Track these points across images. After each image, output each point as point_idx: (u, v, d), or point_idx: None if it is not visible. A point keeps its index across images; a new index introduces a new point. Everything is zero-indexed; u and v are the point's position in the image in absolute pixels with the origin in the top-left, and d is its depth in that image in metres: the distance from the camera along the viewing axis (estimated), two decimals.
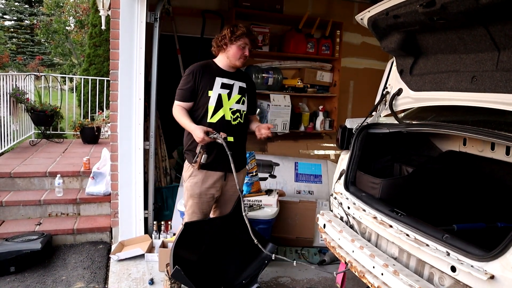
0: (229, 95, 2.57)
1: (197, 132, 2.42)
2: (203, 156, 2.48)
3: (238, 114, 2.60)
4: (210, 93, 2.53)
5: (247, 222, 2.46)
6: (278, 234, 3.57)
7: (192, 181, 2.62)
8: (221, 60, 2.61)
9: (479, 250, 1.55)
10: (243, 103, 2.63)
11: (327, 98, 4.95)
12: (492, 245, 1.52)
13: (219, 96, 2.54)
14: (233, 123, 2.59)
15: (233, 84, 2.60)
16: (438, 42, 2.20)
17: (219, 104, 2.54)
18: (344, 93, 5.13)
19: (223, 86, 2.57)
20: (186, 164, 2.68)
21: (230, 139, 2.54)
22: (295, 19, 4.52)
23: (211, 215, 2.81)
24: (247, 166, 3.40)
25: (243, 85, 2.65)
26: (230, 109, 2.57)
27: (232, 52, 2.54)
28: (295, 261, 2.31)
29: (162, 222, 3.66)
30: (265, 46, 4.42)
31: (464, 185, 2.49)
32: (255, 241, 2.38)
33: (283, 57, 4.67)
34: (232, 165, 2.42)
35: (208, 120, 2.54)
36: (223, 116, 2.56)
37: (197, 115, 2.57)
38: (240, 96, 2.61)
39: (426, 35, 2.22)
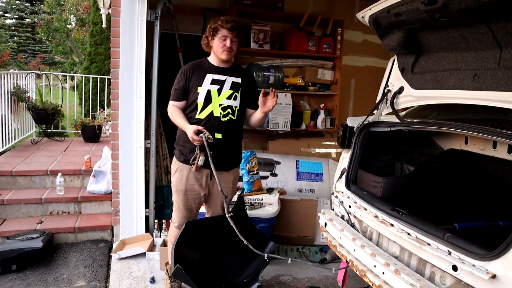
0: (219, 91, 2.53)
1: (188, 132, 2.43)
2: (200, 158, 2.46)
3: (229, 110, 2.54)
4: (199, 89, 2.52)
5: (232, 224, 2.40)
6: (279, 232, 3.57)
7: (177, 177, 2.61)
8: (212, 57, 2.60)
9: (481, 249, 1.54)
10: (235, 99, 2.56)
11: (328, 96, 4.94)
12: (494, 244, 1.51)
13: (208, 92, 2.51)
14: (223, 119, 2.52)
15: (225, 79, 2.55)
16: (439, 40, 2.19)
17: (207, 100, 2.51)
18: (345, 91, 5.12)
19: (214, 82, 2.53)
20: (174, 159, 2.68)
21: (218, 135, 2.50)
22: (296, 17, 4.50)
23: (206, 215, 2.80)
24: (248, 165, 3.41)
25: (237, 80, 2.58)
26: (220, 105, 2.52)
27: (215, 46, 2.52)
28: (289, 260, 2.27)
29: (163, 221, 3.67)
30: (266, 44, 4.41)
31: (466, 183, 2.48)
32: (245, 242, 2.33)
33: (284, 55, 4.66)
34: (211, 165, 2.39)
35: (197, 116, 2.53)
36: (212, 112, 2.51)
37: (188, 112, 2.58)
38: (232, 91, 2.55)
39: (427, 33, 2.21)
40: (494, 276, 1.44)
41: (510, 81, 1.82)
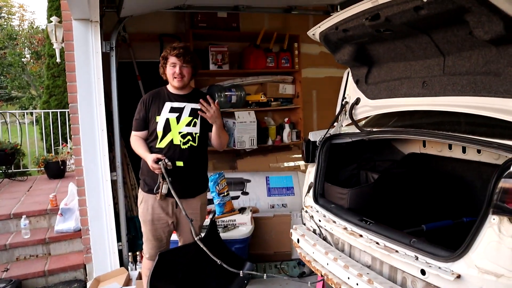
0: (178, 118, 2.53)
1: (148, 161, 2.44)
2: (163, 186, 2.45)
3: (189, 137, 2.53)
4: (158, 118, 2.53)
5: (202, 246, 2.40)
6: (256, 251, 3.56)
7: (143, 207, 2.61)
8: (169, 85, 2.62)
9: (445, 251, 1.59)
10: (194, 125, 2.55)
11: (292, 110, 5.01)
12: (462, 241, 1.56)
13: (167, 120, 2.52)
14: (183, 147, 2.52)
15: (184, 106, 2.56)
16: (388, 51, 2.28)
17: (167, 129, 2.52)
18: (307, 103, 5.21)
19: (172, 110, 2.54)
20: (139, 189, 2.67)
21: (180, 163, 2.50)
22: (252, 35, 4.57)
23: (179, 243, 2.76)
24: (217, 187, 3.39)
25: (197, 106, 2.56)
26: (180, 132, 2.52)
27: (168, 74, 2.55)
28: (265, 275, 2.30)
29: (137, 253, 3.59)
30: (225, 65, 4.45)
31: (429, 185, 2.57)
32: (218, 261, 2.34)
33: (244, 73, 4.70)
34: (172, 191, 2.40)
35: (157, 146, 2.53)
36: (172, 141, 2.52)
37: (149, 141, 2.58)
38: (191, 118, 2.54)
39: (375, 45, 2.30)
40: (459, 276, 1.49)
41: (455, 86, 1.92)
